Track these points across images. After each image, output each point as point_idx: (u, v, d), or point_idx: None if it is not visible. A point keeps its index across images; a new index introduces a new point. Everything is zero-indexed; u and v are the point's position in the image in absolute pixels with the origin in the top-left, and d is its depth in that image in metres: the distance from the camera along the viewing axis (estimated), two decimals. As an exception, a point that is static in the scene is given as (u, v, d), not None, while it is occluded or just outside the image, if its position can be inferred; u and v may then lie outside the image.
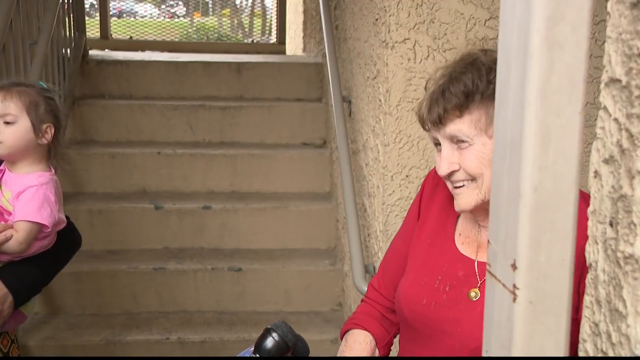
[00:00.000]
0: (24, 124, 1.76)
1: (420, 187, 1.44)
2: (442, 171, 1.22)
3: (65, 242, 1.90)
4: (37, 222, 1.73)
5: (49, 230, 1.76)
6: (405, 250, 1.41)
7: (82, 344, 2.99)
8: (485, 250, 1.26)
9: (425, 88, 1.28)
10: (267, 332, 1.21)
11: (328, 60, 3.15)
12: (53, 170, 1.84)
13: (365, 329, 1.41)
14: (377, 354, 1.40)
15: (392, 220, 2.36)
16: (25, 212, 1.73)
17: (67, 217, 1.89)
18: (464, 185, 1.21)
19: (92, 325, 3.10)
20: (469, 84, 1.19)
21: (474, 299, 1.24)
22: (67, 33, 3.69)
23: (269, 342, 1.19)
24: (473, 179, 1.20)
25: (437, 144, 1.25)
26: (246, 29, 8.15)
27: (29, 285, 1.80)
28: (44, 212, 1.74)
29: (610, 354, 0.62)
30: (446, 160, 1.21)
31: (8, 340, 1.91)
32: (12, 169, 1.81)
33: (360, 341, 1.39)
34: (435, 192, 1.39)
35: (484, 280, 1.14)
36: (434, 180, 1.39)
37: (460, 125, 1.19)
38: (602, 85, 0.65)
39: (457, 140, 1.20)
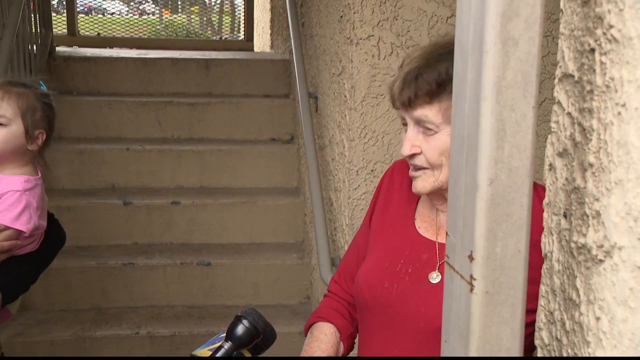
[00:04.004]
0: (16, 128, 1.68)
1: (378, 184, 1.46)
2: (404, 151, 1.23)
3: (51, 240, 1.86)
4: (14, 228, 1.67)
5: (26, 234, 1.71)
6: (365, 244, 1.42)
7: (51, 340, 2.93)
8: (444, 232, 1.28)
9: (402, 66, 1.27)
10: (237, 319, 1.23)
11: (295, 57, 3.13)
12: (40, 174, 1.78)
13: (330, 322, 1.43)
14: (341, 345, 1.42)
15: (358, 214, 2.36)
16: (4, 216, 1.66)
17: (52, 215, 1.85)
18: (422, 170, 1.23)
19: (61, 321, 3.05)
20: (442, 73, 1.18)
21: (435, 281, 1.25)
22: (33, 29, 3.61)
23: (240, 329, 1.22)
24: (432, 167, 1.22)
25: (405, 123, 1.26)
26: (215, 26, 8.09)
27: (17, 283, 1.76)
28: (23, 217, 1.68)
29: (565, 341, 0.62)
30: (409, 142, 1.22)
31: None
32: None
33: (325, 332, 1.42)
34: (393, 185, 1.40)
35: (444, 261, 1.15)
36: (392, 176, 1.42)
37: (428, 112, 1.19)
38: (556, 81, 0.66)
39: (423, 125, 1.21)
